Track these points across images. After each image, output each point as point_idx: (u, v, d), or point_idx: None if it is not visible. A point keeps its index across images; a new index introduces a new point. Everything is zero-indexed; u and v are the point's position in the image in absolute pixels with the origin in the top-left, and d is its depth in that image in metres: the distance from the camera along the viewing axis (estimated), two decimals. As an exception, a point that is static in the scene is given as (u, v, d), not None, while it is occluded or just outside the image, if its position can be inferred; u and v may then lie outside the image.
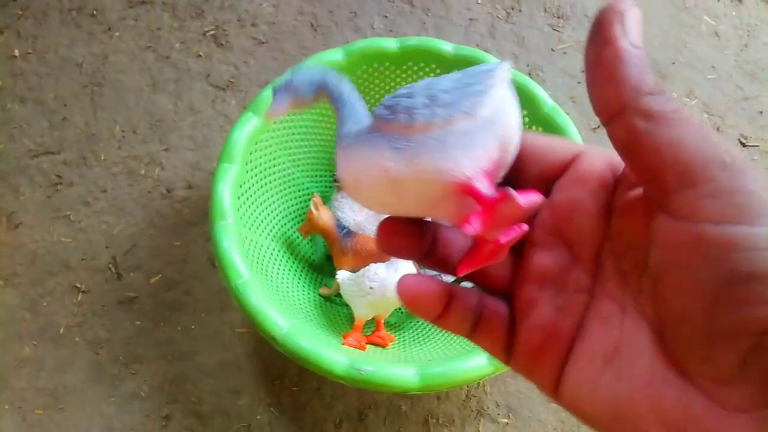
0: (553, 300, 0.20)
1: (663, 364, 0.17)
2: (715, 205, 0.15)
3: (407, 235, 0.21)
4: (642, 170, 0.17)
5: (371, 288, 0.71)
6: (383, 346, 0.76)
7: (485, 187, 0.18)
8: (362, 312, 0.74)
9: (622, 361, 0.18)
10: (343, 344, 0.72)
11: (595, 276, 0.19)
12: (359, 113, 0.21)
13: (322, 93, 0.22)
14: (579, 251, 0.20)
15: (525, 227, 0.18)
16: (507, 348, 0.20)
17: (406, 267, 0.72)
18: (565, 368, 0.19)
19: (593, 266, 0.19)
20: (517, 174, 0.21)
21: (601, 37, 0.17)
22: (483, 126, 0.18)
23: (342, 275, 0.76)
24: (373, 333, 0.77)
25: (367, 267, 0.74)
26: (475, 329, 0.21)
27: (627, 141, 0.16)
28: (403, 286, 0.20)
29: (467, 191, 0.18)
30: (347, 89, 0.22)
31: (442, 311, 0.20)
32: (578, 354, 0.19)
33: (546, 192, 0.20)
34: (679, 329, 0.16)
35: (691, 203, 0.15)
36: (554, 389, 0.19)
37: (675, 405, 0.16)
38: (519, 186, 0.20)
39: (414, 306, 0.20)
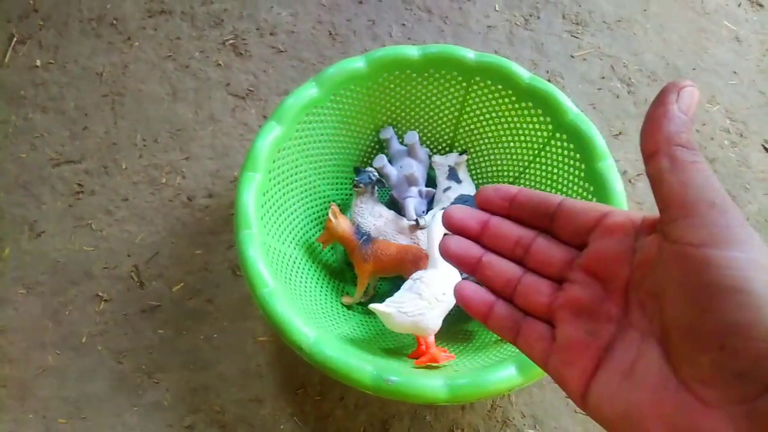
0: (586, 325, 0.25)
1: (665, 374, 0.21)
2: (698, 233, 0.20)
3: None
4: (659, 200, 0.22)
5: (444, 294, 0.69)
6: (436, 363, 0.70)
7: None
8: (436, 323, 0.70)
9: (636, 376, 0.22)
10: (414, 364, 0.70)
11: (623, 308, 0.24)
12: None
13: None
14: (610, 288, 0.25)
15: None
16: (544, 358, 0.26)
17: (453, 275, 0.71)
18: (591, 382, 0.23)
19: (622, 301, 0.24)
20: (559, 230, 0.27)
21: (658, 100, 0.22)
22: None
23: (386, 307, 0.69)
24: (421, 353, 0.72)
25: (412, 280, 0.72)
26: (517, 338, 0.27)
27: (654, 176, 0.22)
28: (458, 291, 0.28)
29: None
30: None
31: (487, 316, 0.27)
32: (603, 371, 0.23)
33: (581, 243, 0.26)
34: (671, 335, 0.21)
35: (682, 230, 0.20)
36: (582, 398, 0.24)
37: (673, 406, 0.20)
38: (560, 239, 0.27)
39: (464, 307, 0.28)
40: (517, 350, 0.65)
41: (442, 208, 0.83)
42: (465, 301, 0.28)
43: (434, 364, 0.69)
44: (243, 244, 0.68)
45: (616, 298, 0.24)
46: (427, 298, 0.69)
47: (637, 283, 0.24)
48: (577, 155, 0.77)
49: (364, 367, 0.61)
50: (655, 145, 0.22)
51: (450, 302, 0.70)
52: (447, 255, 0.28)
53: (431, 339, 0.70)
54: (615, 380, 0.23)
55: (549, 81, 1.04)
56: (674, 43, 1.12)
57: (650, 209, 0.93)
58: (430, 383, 0.60)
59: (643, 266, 0.23)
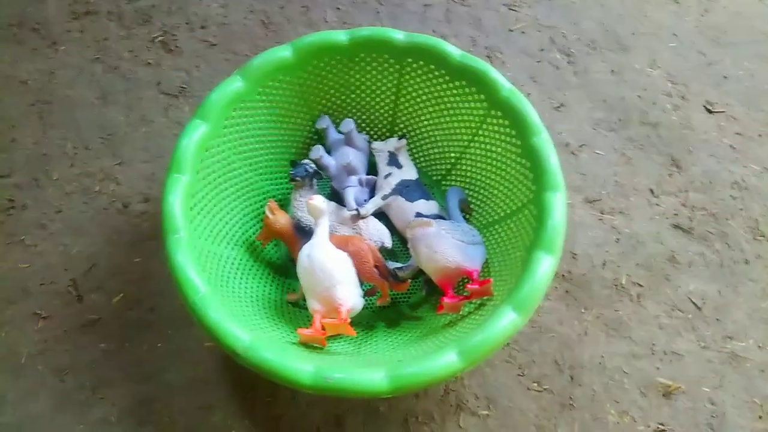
0: None
1: None
2: None
3: None
4: None
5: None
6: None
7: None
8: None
9: None
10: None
11: None
12: None
13: None
14: None
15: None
16: None
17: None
18: None
19: None
20: None
21: None
22: None
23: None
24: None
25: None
26: None
27: None
28: None
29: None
30: None
31: None
32: None
33: None
34: None
35: None
36: None
37: None
38: None
39: None
40: (460, 335, 0.64)
41: (384, 195, 0.82)
42: None
43: (317, 344, 0.70)
44: (171, 250, 0.65)
45: None
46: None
47: None
48: (513, 131, 0.76)
49: (302, 367, 0.59)
50: None
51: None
52: None
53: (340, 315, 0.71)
54: None
55: (488, 57, 1.03)
56: (613, 8, 1.11)
57: (593, 180, 0.92)
58: (371, 377, 0.59)
59: None
